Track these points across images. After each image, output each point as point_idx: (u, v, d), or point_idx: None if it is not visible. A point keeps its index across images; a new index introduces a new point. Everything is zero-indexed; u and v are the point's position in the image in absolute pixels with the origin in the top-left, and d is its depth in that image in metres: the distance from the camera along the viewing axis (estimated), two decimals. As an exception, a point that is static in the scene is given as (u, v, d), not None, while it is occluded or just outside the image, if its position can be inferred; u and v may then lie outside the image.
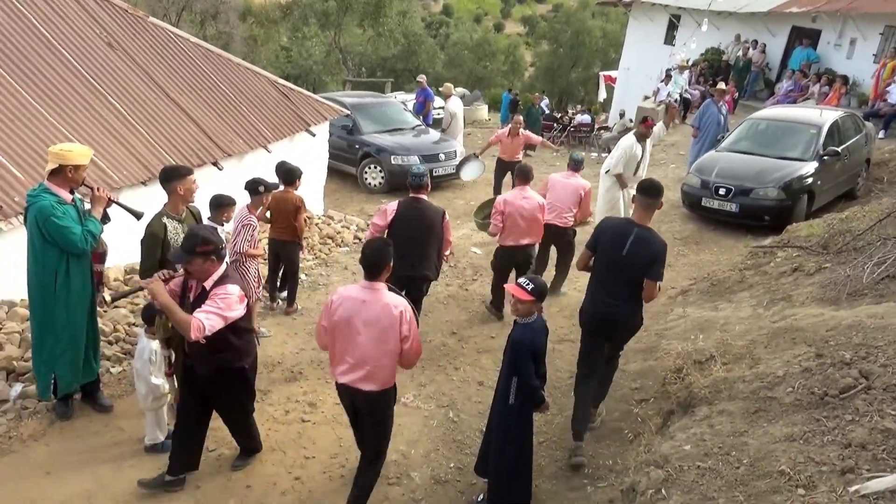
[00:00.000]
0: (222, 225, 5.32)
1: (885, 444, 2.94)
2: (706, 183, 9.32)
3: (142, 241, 4.63)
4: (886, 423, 3.06)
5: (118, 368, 5.42)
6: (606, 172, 8.48)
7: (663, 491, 3.15)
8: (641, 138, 8.34)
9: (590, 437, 4.87)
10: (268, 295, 6.83)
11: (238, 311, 3.81)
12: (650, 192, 4.53)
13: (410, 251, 5.39)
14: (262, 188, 5.82)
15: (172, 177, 4.64)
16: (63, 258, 4.41)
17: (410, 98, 18.33)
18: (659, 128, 8.49)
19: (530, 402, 4.04)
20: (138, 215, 4.77)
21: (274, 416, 5.06)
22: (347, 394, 3.90)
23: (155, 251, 4.56)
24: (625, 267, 4.41)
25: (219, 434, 4.75)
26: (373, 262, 3.76)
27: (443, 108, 14.66)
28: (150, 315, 4.32)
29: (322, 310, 3.91)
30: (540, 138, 11.93)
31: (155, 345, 4.38)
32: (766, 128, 10.25)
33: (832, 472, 2.88)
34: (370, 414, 3.92)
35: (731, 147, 10.10)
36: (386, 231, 5.59)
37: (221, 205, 5.29)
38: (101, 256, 4.76)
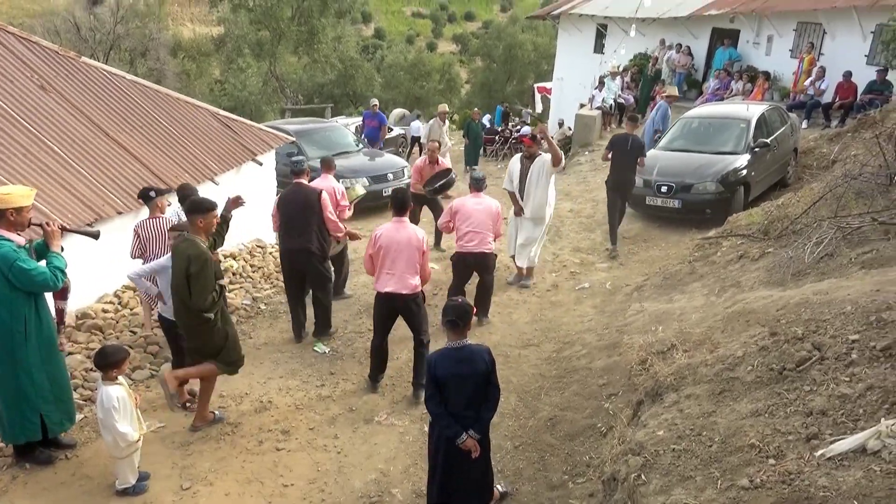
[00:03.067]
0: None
1: (843, 409, 3.12)
2: (648, 182, 9.66)
3: (199, 268, 4.59)
4: (842, 389, 3.24)
5: (79, 415, 5.24)
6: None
7: (643, 476, 3.26)
8: (526, 156, 7.70)
9: (563, 435, 4.97)
10: None
11: None
12: (634, 119, 9.36)
13: (292, 227, 6.48)
14: (152, 193, 6.13)
15: (199, 210, 4.78)
16: (30, 301, 4.31)
17: (353, 122, 18.40)
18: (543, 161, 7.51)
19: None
20: (95, 235, 4.76)
21: (247, 447, 4.98)
22: (389, 300, 5.48)
23: (210, 270, 4.68)
24: (629, 153, 8.64)
25: (192, 471, 4.67)
26: (400, 203, 5.47)
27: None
28: (109, 362, 4.24)
29: (368, 242, 5.56)
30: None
31: (116, 391, 4.26)
32: (698, 125, 10.71)
33: (798, 440, 3.03)
34: (408, 310, 5.55)
35: (667, 146, 10.50)
36: (278, 217, 6.57)
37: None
38: (64, 293, 4.68)
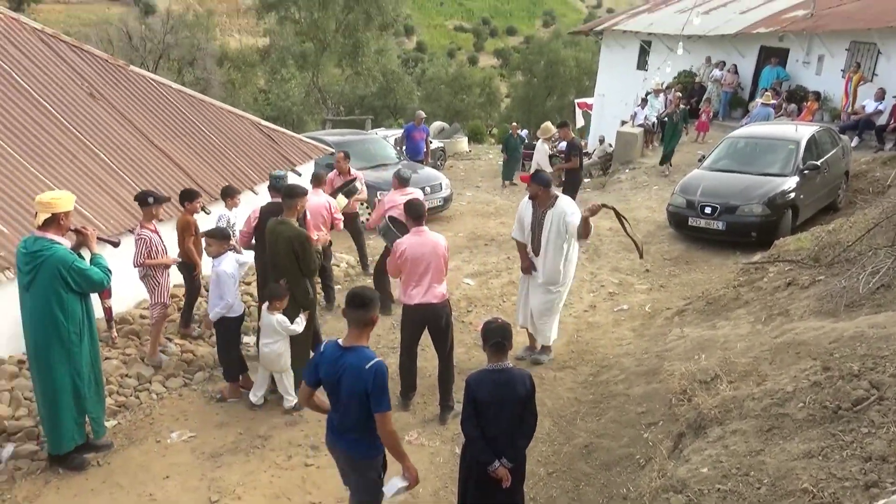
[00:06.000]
0: (231, 210, 6.92)
1: (905, 455, 2.92)
2: (691, 203, 9.42)
3: (303, 245, 5.30)
4: (904, 433, 3.04)
5: (113, 422, 5.27)
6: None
7: (686, 516, 3.09)
8: (534, 199, 5.97)
9: (599, 464, 4.80)
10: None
11: None
12: None
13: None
14: (150, 199, 6.05)
15: (295, 195, 5.43)
16: (83, 303, 4.46)
17: (392, 134, 18.47)
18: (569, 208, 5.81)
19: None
20: (115, 244, 4.90)
21: (276, 461, 4.93)
22: (419, 311, 5.35)
23: (311, 243, 5.44)
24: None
25: (221, 484, 4.63)
26: (418, 213, 5.37)
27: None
28: (275, 294, 5.34)
29: (391, 255, 5.47)
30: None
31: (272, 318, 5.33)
32: (745, 146, 10.44)
33: (856, 487, 2.84)
34: (438, 320, 5.39)
35: (712, 166, 10.24)
36: (253, 236, 6.28)
37: (227, 194, 6.97)
38: (108, 292, 4.82)
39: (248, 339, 6.72)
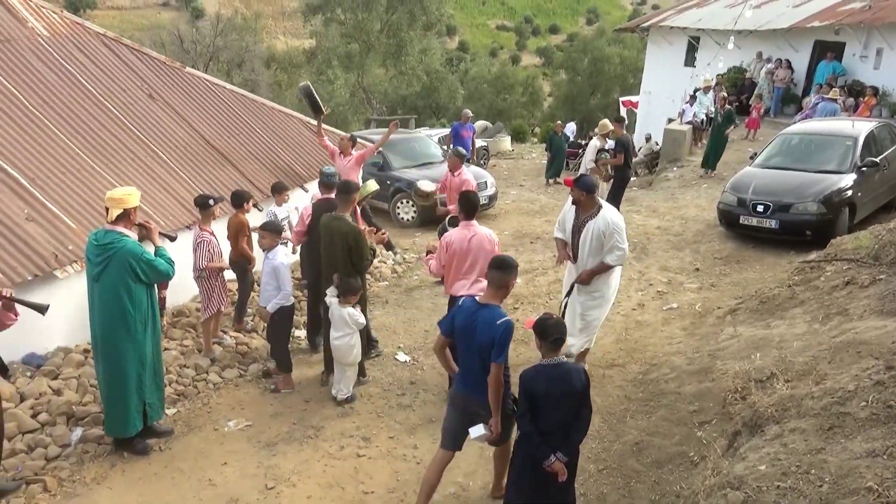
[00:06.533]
0: (280, 206, 7.28)
1: (977, 456, 2.83)
2: (743, 200, 9.23)
3: (357, 241, 5.43)
4: (974, 433, 2.95)
5: (173, 410, 5.47)
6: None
7: (744, 513, 3.06)
8: (577, 204, 5.68)
9: (650, 462, 4.76)
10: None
11: None
12: None
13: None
14: (211, 202, 6.22)
15: (350, 190, 5.59)
16: (149, 293, 4.65)
17: (436, 133, 18.56)
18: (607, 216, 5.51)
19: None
20: (173, 238, 5.23)
21: (329, 451, 5.04)
22: None
23: (365, 238, 5.55)
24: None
25: (277, 472, 4.76)
26: (472, 206, 5.28)
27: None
28: (349, 289, 5.44)
29: (439, 249, 5.40)
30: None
31: (345, 311, 5.44)
32: (799, 142, 10.17)
33: (923, 486, 2.77)
34: None
35: (764, 163, 10.01)
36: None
37: (277, 190, 7.31)
38: (166, 283, 5.02)
39: (300, 333, 6.87)
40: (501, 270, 3.90)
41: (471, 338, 3.86)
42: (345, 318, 5.48)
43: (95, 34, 8.60)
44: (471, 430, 3.93)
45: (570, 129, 21.65)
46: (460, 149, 8.12)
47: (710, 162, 13.62)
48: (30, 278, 5.47)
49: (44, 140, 6.74)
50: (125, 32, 34.86)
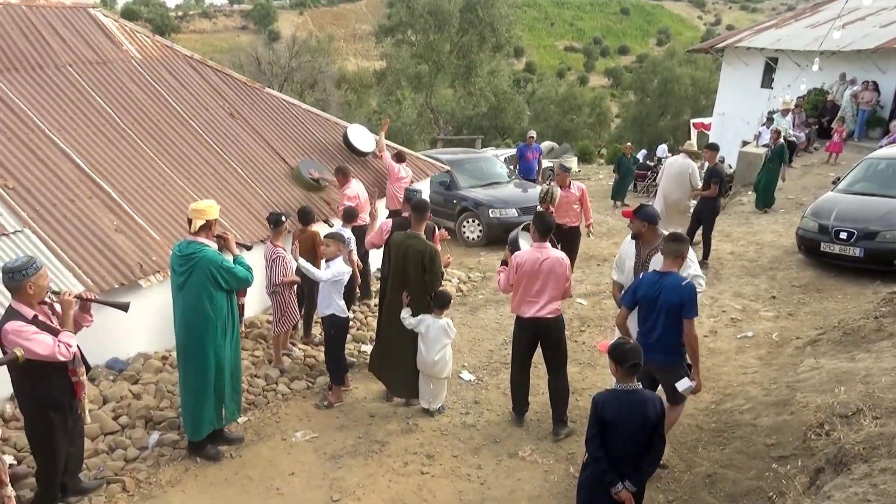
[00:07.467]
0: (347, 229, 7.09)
1: None
2: (825, 227, 8.84)
3: (433, 259, 5.52)
4: None
5: (244, 418, 5.62)
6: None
7: (830, 556, 2.89)
8: (637, 238, 5.13)
9: (724, 495, 4.58)
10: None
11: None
12: None
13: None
14: (284, 218, 6.45)
15: (425, 209, 5.70)
16: (229, 300, 4.84)
17: (502, 153, 18.61)
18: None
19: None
20: (248, 247, 5.46)
21: (393, 467, 5.06)
22: (532, 324, 5.30)
23: (439, 258, 5.66)
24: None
25: (342, 484, 4.81)
26: (546, 228, 5.26)
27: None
28: (444, 301, 5.59)
29: (509, 267, 5.31)
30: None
31: (442, 321, 5.56)
32: (886, 167, 9.69)
33: None
34: (550, 336, 5.36)
35: (848, 188, 9.58)
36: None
37: (348, 219, 7.19)
38: (245, 290, 5.20)
39: (367, 349, 6.96)
40: (678, 242, 4.50)
41: (654, 303, 4.43)
42: (444, 328, 5.57)
43: (183, 56, 9.06)
44: (677, 384, 4.49)
45: (662, 149, 20.91)
46: (564, 163, 8.41)
47: (760, 203, 12.79)
48: (116, 286, 5.76)
49: (133, 156, 7.12)
50: (206, 55, 36.56)
